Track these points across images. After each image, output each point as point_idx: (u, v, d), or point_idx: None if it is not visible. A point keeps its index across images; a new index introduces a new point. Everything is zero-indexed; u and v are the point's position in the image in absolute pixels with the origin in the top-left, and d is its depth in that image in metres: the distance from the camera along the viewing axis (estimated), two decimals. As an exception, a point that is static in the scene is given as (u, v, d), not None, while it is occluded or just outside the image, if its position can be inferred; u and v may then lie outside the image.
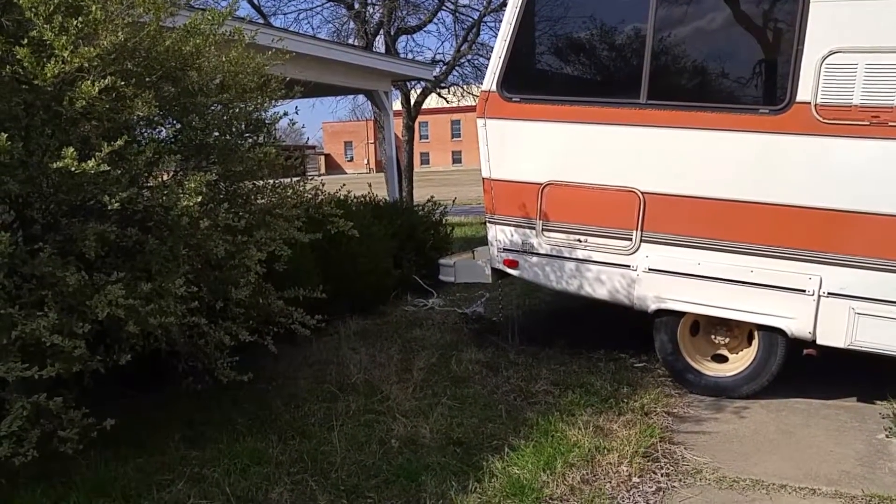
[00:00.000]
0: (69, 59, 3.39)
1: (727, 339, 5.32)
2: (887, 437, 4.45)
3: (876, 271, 4.52)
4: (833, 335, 4.70)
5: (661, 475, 3.98)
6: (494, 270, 6.09)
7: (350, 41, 16.38)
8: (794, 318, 4.81)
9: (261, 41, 4.98)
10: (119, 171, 3.69)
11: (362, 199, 8.72)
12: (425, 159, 72.77)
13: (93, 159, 3.37)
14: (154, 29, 3.97)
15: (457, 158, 74.68)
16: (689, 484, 3.91)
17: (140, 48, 3.93)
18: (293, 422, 4.66)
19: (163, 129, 4.49)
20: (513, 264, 5.91)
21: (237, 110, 4.56)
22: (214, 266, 4.36)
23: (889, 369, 5.00)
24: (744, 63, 5.27)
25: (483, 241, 6.75)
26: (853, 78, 4.49)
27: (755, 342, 5.10)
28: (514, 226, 5.82)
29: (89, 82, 3.45)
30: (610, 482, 3.85)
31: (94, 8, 3.56)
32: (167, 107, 4.20)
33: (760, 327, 5.02)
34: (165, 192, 3.90)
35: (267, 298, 4.72)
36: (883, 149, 4.47)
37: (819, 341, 4.78)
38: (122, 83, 3.62)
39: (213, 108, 4.44)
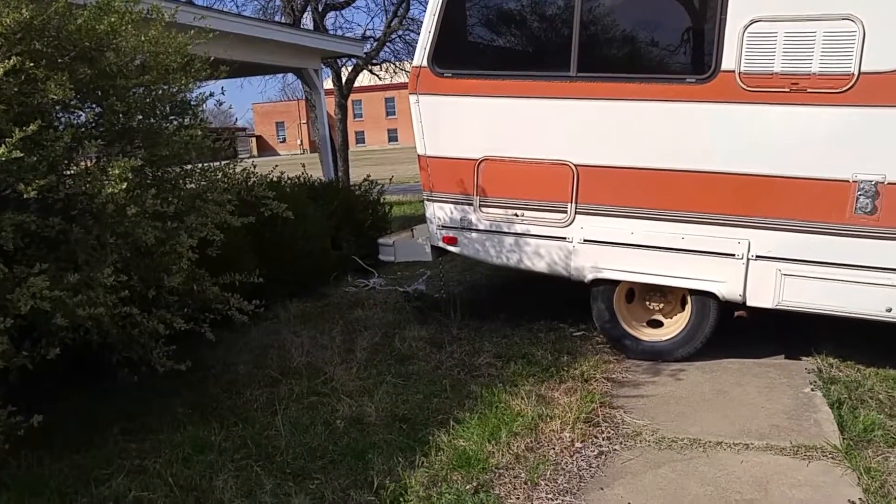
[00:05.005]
0: (-32, 38, 3.22)
1: (661, 305, 5.45)
2: (812, 390, 4.66)
3: (798, 233, 4.68)
4: (762, 296, 4.87)
5: (603, 439, 4.08)
6: (434, 248, 6.09)
7: (277, 19, 16.04)
8: (724, 282, 4.96)
9: (182, 20, 4.82)
10: (35, 158, 3.54)
11: (296, 179, 8.58)
12: (360, 138, 72.14)
13: (3, 146, 3.21)
14: (62, 6, 3.78)
15: (392, 136, 74.23)
16: (630, 446, 4.02)
17: (49, 27, 3.74)
18: (235, 408, 4.60)
19: (82, 113, 4.31)
20: (452, 241, 5.92)
21: (160, 92, 4.42)
22: (144, 253, 4.23)
23: (814, 326, 5.24)
24: (670, 33, 5.35)
25: (422, 219, 6.73)
26: (773, 46, 4.60)
27: (688, 307, 5.24)
28: (452, 203, 5.82)
29: (-7, 64, 3.28)
30: (553, 448, 3.93)
31: (-7, -17, 3.39)
32: (84, 90, 4.03)
33: (693, 292, 5.16)
34: (89, 179, 3.75)
35: (201, 285, 4.62)
36: (802, 114, 4.61)
37: (749, 303, 4.95)
38: (31, 64, 3.45)
39: (134, 90, 4.28)
